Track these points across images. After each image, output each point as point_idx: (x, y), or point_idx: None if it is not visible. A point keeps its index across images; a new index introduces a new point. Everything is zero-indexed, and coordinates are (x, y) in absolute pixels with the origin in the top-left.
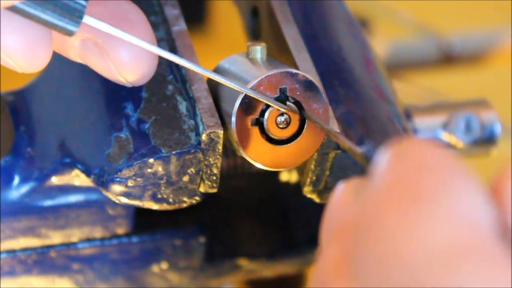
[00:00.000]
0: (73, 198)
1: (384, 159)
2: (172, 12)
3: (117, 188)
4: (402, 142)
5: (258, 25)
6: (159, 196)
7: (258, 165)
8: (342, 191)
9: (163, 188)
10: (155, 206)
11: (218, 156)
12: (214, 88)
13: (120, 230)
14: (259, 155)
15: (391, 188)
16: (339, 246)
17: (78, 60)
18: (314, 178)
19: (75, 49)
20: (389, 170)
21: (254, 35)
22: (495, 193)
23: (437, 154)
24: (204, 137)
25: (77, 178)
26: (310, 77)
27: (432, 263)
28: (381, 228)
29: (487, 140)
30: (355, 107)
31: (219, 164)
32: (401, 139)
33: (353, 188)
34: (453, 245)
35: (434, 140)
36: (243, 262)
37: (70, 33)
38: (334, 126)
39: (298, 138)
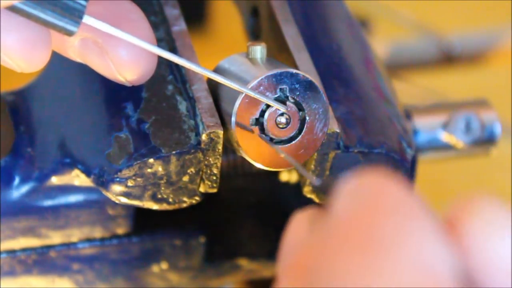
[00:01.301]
0: (73, 198)
1: (341, 195)
2: (172, 12)
3: (117, 188)
4: (358, 177)
5: (258, 25)
6: (159, 196)
7: (258, 165)
8: (297, 222)
9: (163, 188)
10: (155, 206)
11: (218, 156)
12: (214, 88)
13: (120, 230)
14: (259, 155)
15: (345, 228)
16: (293, 280)
17: (78, 59)
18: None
19: (74, 49)
20: (343, 209)
21: (254, 35)
22: (453, 231)
23: (394, 193)
24: (204, 137)
25: (77, 178)
26: (310, 77)
27: None
28: (331, 272)
29: (487, 140)
30: (355, 107)
31: (219, 164)
32: (359, 173)
33: (308, 220)
34: None
35: (389, 174)
36: (243, 262)
37: (70, 33)
38: (334, 126)
39: (298, 138)
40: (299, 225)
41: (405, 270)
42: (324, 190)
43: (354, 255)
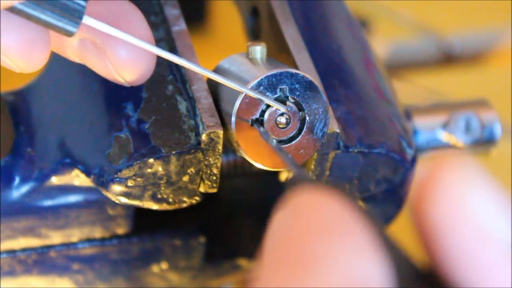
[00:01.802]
0: (73, 198)
1: (281, 212)
2: (172, 12)
3: (117, 188)
4: (297, 194)
5: (258, 25)
6: (159, 196)
7: (258, 165)
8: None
9: (163, 188)
10: (155, 206)
11: (218, 156)
12: (214, 88)
13: (120, 230)
14: (259, 155)
15: (279, 250)
16: None
17: (77, 59)
18: (314, 178)
19: (73, 49)
20: (280, 228)
21: (254, 35)
22: (425, 191)
23: (328, 211)
24: (204, 137)
25: (77, 178)
26: (310, 77)
27: None
28: None
29: (487, 140)
30: (355, 107)
31: (219, 164)
32: (299, 189)
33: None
34: None
35: (333, 188)
36: (243, 262)
37: (69, 34)
38: (334, 126)
39: (298, 138)
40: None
41: (337, 286)
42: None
43: (286, 276)
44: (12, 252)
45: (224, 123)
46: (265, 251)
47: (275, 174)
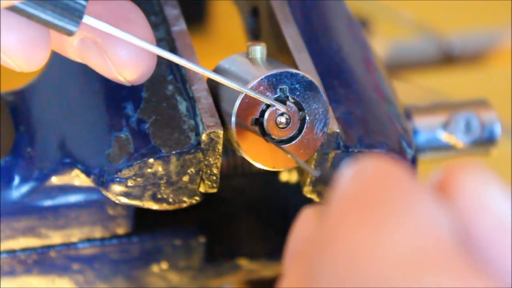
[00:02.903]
0: (73, 198)
1: (344, 177)
2: (172, 12)
3: (117, 188)
4: (361, 161)
5: (258, 25)
6: (159, 196)
7: (258, 165)
8: (305, 216)
9: (163, 188)
10: (155, 206)
11: (218, 156)
12: (214, 88)
13: (120, 230)
14: (259, 155)
15: (351, 203)
16: (298, 269)
17: (77, 59)
18: (314, 178)
19: (73, 48)
20: (349, 187)
21: (254, 35)
22: (445, 194)
23: (394, 171)
24: (204, 137)
25: (77, 178)
26: (310, 77)
27: (396, 269)
28: (342, 242)
29: (487, 140)
30: (355, 107)
31: (219, 164)
32: (361, 158)
33: (316, 213)
34: (416, 252)
35: (390, 158)
36: (243, 262)
37: (70, 33)
38: (334, 126)
39: (298, 138)
40: (305, 218)
41: (412, 233)
42: (324, 182)
43: (362, 224)
44: (12, 252)
45: (224, 123)
46: (333, 212)
47: (275, 174)
